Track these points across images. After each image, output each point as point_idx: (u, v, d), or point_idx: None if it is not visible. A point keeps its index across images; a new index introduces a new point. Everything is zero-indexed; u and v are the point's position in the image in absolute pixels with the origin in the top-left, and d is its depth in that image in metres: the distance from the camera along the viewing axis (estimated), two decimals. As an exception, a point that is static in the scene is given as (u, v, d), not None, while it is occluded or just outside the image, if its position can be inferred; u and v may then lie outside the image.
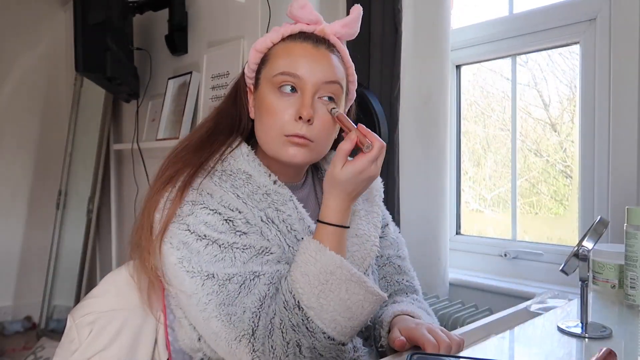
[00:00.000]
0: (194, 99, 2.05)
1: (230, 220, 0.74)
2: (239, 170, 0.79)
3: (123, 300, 0.88)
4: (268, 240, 0.77)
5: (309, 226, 0.80)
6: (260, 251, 0.74)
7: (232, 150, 0.81)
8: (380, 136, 0.92)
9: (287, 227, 0.79)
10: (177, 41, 2.13)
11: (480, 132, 1.63)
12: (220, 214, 0.74)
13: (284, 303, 0.71)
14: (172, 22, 2.12)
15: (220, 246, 0.72)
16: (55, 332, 2.70)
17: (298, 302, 0.70)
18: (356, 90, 0.89)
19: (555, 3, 1.33)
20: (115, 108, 2.73)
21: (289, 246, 0.78)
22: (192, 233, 0.73)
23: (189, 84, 2.05)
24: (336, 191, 0.74)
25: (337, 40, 0.82)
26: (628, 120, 1.17)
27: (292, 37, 0.80)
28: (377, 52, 1.46)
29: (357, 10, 0.82)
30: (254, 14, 1.74)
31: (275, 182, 0.80)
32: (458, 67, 1.60)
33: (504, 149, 1.54)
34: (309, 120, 0.76)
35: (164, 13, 2.15)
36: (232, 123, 0.84)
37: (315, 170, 0.94)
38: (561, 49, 1.39)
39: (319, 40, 0.80)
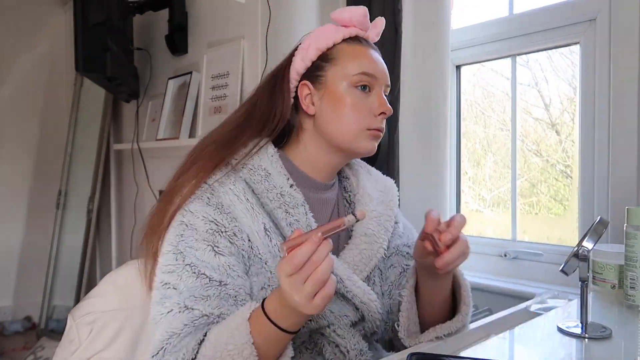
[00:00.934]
0: (194, 99, 2.05)
1: (217, 233, 0.76)
2: (260, 167, 0.81)
3: (123, 300, 0.88)
4: (251, 249, 0.77)
5: None
6: (212, 282, 0.73)
7: (260, 149, 0.83)
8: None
9: (292, 231, 0.78)
10: (177, 41, 2.13)
11: (480, 132, 1.63)
12: (211, 221, 0.76)
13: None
14: (172, 22, 2.12)
15: (184, 262, 0.74)
16: (55, 332, 2.70)
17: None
18: None
19: (555, 3, 1.33)
20: (115, 108, 2.73)
21: None
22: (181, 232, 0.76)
23: (189, 84, 2.05)
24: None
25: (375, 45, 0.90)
26: (628, 121, 1.17)
27: (353, 40, 0.86)
28: (377, 52, 1.46)
29: (382, 22, 0.90)
30: (254, 14, 1.74)
31: (292, 186, 0.82)
32: (458, 67, 1.60)
33: (504, 149, 1.54)
34: (387, 115, 0.84)
35: (164, 13, 2.15)
36: (265, 120, 0.85)
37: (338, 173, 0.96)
38: (561, 49, 1.39)
39: (371, 46, 0.88)
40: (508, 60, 1.49)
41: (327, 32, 0.86)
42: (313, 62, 0.85)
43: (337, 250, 0.86)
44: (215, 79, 1.90)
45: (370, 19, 0.89)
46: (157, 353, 0.70)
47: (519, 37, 1.41)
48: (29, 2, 3.07)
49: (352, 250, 0.86)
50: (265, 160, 0.82)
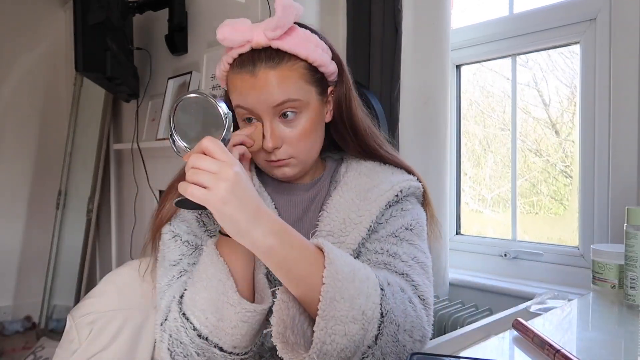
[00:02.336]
0: (194, 99, 2.05)
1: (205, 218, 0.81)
2: None
3: (123, 300, 0.88)
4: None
5: None
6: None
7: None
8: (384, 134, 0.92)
9: None
10: (177, 41, 2.13)
11: (480, 132, 1.63)
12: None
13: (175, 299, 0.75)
14: (172, 22, 2.12)
15: (182, 241, 0.80)
16: (55, 332, 2.70)
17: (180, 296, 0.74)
18: (356, 91, 0.88)
19: (555, 3, 1.33)
20: (115, 108, 2.73)
21: None
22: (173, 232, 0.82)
23: (189, 83, 2.05)
24: None
25: (279, 42, 0.75)
26: (628, 120, 1.17)
27: (234, 63, 0.77)
28: (377, 52, 1.46)
29: (279, 3, 0.74)
30: (254, 14, 1.74)
31: (260, 186, 0.83)
32: (458, 67, 1.60)
33: (504, 149, 1.54)
34: (275, 149, 0.77)
35: (164, 13, 2.15)
36: None
37: (335, 170, 0.91)
38: (561, 48, 1.39)
39: (256, 60, 0.74)
40: (508, 60, 1.49)
41: (221, 60, 0.79)
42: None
43: None
44: (215, 79, 1.90)
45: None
46: (166, 319, 0.74)
47: (519, 36, 1.41)
48: (29, 2, 3.07)
49: None
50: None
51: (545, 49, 1.41)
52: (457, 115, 1.61)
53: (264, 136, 0.76)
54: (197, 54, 2.09)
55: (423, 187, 0.88)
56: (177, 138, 0.70)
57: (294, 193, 0.86)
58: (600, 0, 1.23)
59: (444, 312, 1.34)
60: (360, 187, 0.82)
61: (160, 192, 2.24)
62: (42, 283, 2.85)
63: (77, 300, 2.61)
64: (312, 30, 0.81)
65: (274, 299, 0.68)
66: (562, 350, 0.62)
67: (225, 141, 0.67)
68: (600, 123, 1.24)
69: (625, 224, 0.87)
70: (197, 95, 0.68)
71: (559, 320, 0.80)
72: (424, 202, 0.89)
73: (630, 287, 0.86)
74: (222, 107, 0.67)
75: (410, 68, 1.42)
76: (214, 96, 0.68)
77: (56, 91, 3.19)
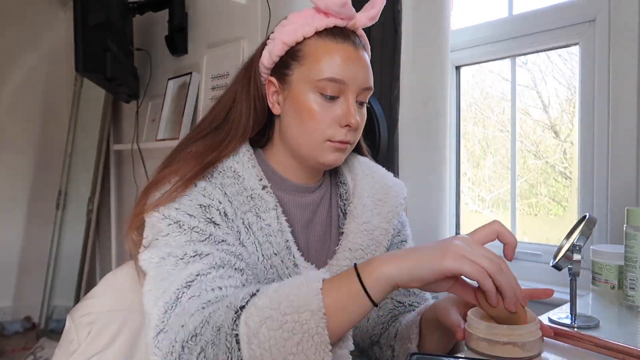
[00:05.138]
0: (193, 100, 2.05)
1: (204, 207, 0.71)
2: (230, 168, 0.76)
3: (122, 300, 0.87)
4: (243, 245, 0.73)
5: (286, 240, 0.76)
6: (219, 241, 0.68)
7: (233, 149, 0.78)
8: (380, 137, 0.93)
9: (264, 236, 0.75)
10: (177, 42, 2.14)
11: (479, 133, 1.63)
12: (197, 201, 0.71)
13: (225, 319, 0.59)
14: (172, 23, 2.12)
15: (181, 227, 0.69)
16: (55, 332, 2.70)
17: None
18: None
19: (555, 4, 1.33)
20: (115, 108, 2.73)
21: (264, 257, 0.75)
22: (163, 217, 0.70)
23: (189, 84, 2.06)
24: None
25: (363, 33, 0.80)
26: (627, 121, 1.17)
27: (328, 33, 0.75)
28: (377, 53, 1.46)
29: (381, 2, 0.79)
30: (254, 14, 1.74)
31: (264, 188, 0.77)
32: (458, 68, 1.60)
33: (503, 150, 1.54)
34: (354, 128, 0.76)
35: (164, 14, 2.15)
36: (246, 121, 0.79)
37: (334, 172, 0.90)
38: (560, 50, 1.39)
39: (355, 39, 0.76)
40: (507, 61, 1.49)
41: (300, 21, 0.76)
42: (281, 57, 0.77)
43: (322, 263, 0.82)
44: (215, 80, 1.91)
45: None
46: (178, 297, 0.63)
47: (519, 37, 1.41)
48: (29, 3, 3.07)
49: (333, 266, 0.80)
50: (237, 160, 0.77)
51: (544, 50, 1.41)
52: (456, 116, 1.61)
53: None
54: (197, 54, 2.09)
55: None
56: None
57: (304, 195, 0.83)
58: (600, 2, 1.23)
59: (444, 313, 1.34)
60: (373, 192, 0.86)
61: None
62: (42, 283, 2.85)
63: (77, 300, 2.61)
64: None
65: None
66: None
67: None
68: (599, 124, 1.24)
69: (624, 225, 0.87)
70: None
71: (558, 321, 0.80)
72: None
73: (630, 287, 0.86)
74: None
75: (409, 69, 1.43)
76: None
77: (56, 92, 3.19)
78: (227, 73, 1.85)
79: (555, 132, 1.47)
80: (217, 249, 0.68)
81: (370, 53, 0.81)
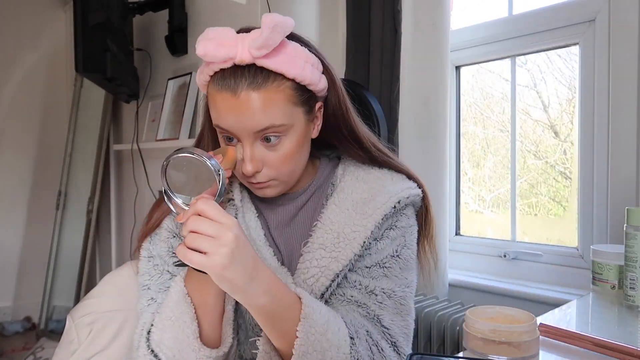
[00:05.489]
0: (193, 100, 2.05)
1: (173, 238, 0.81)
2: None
3: (122, 300, 0.88)
4: None
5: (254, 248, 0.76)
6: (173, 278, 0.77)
7: None
8: (379, 137, 0.91)
9: None
10: (177, 42, 2.14)
11: (479, 133, 1.63)
12: (169, 231, 0.81)
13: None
14: (172, 23, 2.12)
15: (153, 265, 0.80)
16: (55, 332, 2.70)
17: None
18: (355, 92, 0.86)
19: (555, 4, 1.33)
20: (115, 109, 2.73)
21: None
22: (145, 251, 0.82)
23: (189, 84, 2.06)
24: None
25: (265, 60, 0.68)
26: (627, 121, 1.17)
27: (214, 77, 0.70)
28: (377, 53, 1.46)
29: (267, 21, 0.65)
30: (254, 14, 1.74)
31: (229, 200, 0.81)
32: (458, 68, 1.60)
33: (504, 150, 1.54)
34: (256, 172, 0.72)
35: (164, 14, 2.15)
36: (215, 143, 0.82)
37: (332, 172, 0.88)
38: (560, 50, 1.39)
39: (239, 79, 0.68)
40: (507, 61, 1.49)
41: (199, 71, 0.75)
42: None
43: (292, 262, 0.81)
44: (215, 80, 1.91)
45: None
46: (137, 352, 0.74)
47: (518, 38, 1.41)
48: (29, 3, 3.07)
49: (300, 264, 0.78)
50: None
51: (544, 50, 1.41)
52: (456, 116, 1.61)
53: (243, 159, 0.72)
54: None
55: (424, 192, 0.84)
56: (172, 195, 0.67)
57: (280, 203, 0.83)
58: (600, 2, 1.23)
59: (444, 313, 1.34)
60: (358, 195, 0.79)
61: (160, 192, 2.24)
62: (42, 283, 2.85)
63: (77, 300, 2.61)
64: (302, 42, 0.75)
65: (255, 351, 0.70)
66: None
67: (220, 197, 0.65)
68: (599, 124, 1.24)
69: (625, 225, 0.87)
70: (185, 154, 0.64)
71: (558, 321, 0.80)
72: (424, 207, 0.86)
73: (630, 287, 0.86)
74: (214, 165, 0.64)
75: (409, 69, 1.43)
76: (203, 153, 0.65)
77: (56, 92, 3.19)
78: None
79: (555, 132, 1.47)
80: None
81: (286, 69, 0.69)
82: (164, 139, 2.12)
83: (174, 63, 2.25)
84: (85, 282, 2.70)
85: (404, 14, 1.42)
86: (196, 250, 0.59)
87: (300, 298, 0.68)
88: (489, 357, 0.59)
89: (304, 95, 0.72)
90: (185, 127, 2.03)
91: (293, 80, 0.70)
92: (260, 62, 0.68)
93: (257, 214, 0.82)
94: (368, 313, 0.74)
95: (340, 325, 0.69)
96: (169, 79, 2.18)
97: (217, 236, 0.59)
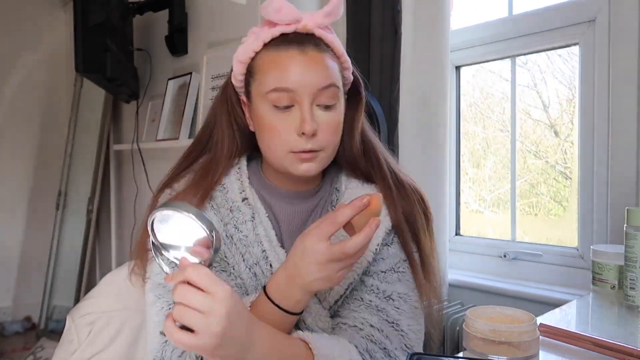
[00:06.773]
0: (194, 100, 2.05)
1: None
2: (220, 183, 0.79)
3: (122, 300, 0.88)
4: (226, 259, 0.77)
5: (263, 250, 0.77)
6: None
7: (226, 169, 0.80)
8: (380, 137, 0.91)
9: (243, 246, 0.77)
10: (177, 42, 2.14)
11: (479, 133, 1.63)
12: None
13: None
14: (172, 23, 2.12)
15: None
16: (55, 332, 2.70)
17: None
18: None
19: (555, 4, 1.33)
20: (115, 109, 2.73)
21: (247, 266, 0.76)
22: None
23: (189, 84, 2.06)
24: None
25: (323, 32, 0.74)
26: (627, 121, 1.17)
27: (274, 42, 0.73)
28: (377, 53, 1.46)
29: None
30: (254, 14, 1.74)
31: (244, 200, 0.78)
32: (458, 68, 1.60)
33: (504, 150, 1.54)
34: (313, 135, 0.72)
35: (164, 14, 2.15)
36: (229, 141, 0.80)
37: (335, 178, 0.88)
38: (560, 50, 1.39)
39: (304, 40, 0.72)
40: (507, 61, 1.49)
41: (252, 37, 0.75)
42: (244, 76, 0.77)
43: None
44: (215, 80, 1.90)
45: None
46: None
47: (519, 37, 1.41)
48: (29, 3, 3.07)
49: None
50: (231, 175, 0.80)
51: (544, 50, 1.41)
52: (456, 116, 1.61)
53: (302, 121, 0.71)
54: (197, 54, 2.09)
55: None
56: (162, 250, 0.60)
57: (294, 202, 0.82)
58: (600, 2, 1.23)
59: (444, 313, 1.34)
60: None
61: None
62: (42, 283, 2.85)
63: (77, 300, 2.61)
64: None
65: None
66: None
67: (212, 262, 0.59)
68: (599, 124, 1.24)
69: (625, 225, 0.87)
70: (174, 210, 0.56)
71: (558, 321, 0.80)
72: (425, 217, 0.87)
73: (630, 287, 0.86)
74: (206, 225, 0.56)
75: (409, 69, 1.43)
76: (194, 212, 0.56)
77: (56, 92, 3.19)
78: (228, 73, 1.85)
79: (555, 132, 1.47)
80: None
81: (335, 48, 0.76)
82: (164, 139, 2.12)
83: (174, 63, 2.25)
84: (85, 282, 2.70)
85: (404, 14, 1.42)
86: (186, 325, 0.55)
87: (304, 341, 0.67)
88: (489, 357, 0.59)
89: (343, 77, 0.78)
90: (185, 127, 2.03)
91: (340, 56, 0.76)
92: (319, 32, 0.73)
93: (267, 214, 0.80)
94: (387, 318, 0.75)
95: (352, 356, 0.69)
96: (169, 79, 2.18)
97: (207, 312, 0.54)
